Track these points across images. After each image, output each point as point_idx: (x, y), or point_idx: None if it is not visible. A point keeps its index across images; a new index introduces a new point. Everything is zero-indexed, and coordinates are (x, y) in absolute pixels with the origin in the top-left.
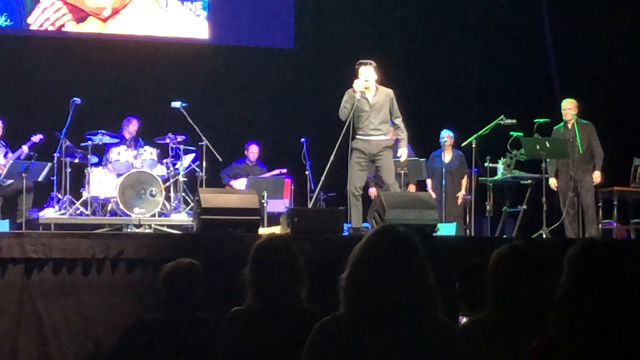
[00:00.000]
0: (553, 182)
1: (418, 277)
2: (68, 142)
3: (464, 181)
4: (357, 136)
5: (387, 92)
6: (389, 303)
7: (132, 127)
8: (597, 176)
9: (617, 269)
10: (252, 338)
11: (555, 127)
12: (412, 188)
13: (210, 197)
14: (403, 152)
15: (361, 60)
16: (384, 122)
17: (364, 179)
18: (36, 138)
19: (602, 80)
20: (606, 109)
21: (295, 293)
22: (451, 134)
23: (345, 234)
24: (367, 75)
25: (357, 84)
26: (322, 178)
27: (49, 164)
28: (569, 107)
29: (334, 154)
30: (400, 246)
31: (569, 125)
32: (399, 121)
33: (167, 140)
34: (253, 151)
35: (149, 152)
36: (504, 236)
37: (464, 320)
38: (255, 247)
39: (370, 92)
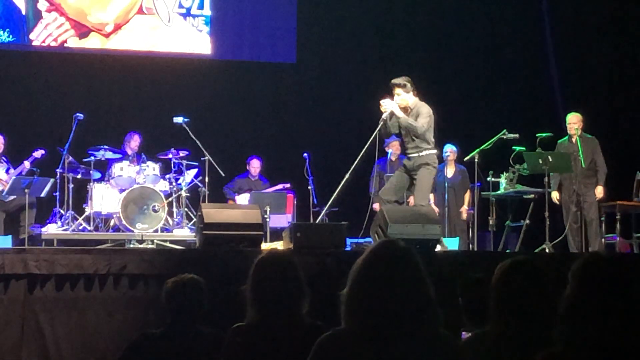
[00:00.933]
0: (555, 196)
1: (419, 292)
2: (71, 158)
3: (467, 196)
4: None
5: (418, 109)
6: (390, 318)
7: (133, 143)
8: (599, 191)
9: (620, 283)
10: (254, 354)
11: (559, 141)
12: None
13: (213, 213)
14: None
15: (393, 81)
16: (419, 139)
17: (397, 192)
18: (38, 154)
19: (605, 95)
20: (609, 123)
21: (296, 308)
22: (454, 148)
23: (348, 248)
24: (397, 97)
25: (383, 103)
26: (334, 195)
27: (52, 180)
28: (573, 121)
29: (349, 172)
30: (400, 261)
31: (573, 140)
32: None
33: (170, 156)
34: (255, 166)
35: (152, 168)
36: (507, 251)
37: (466, 336)
38: (256, 262)
39: (406, 112)
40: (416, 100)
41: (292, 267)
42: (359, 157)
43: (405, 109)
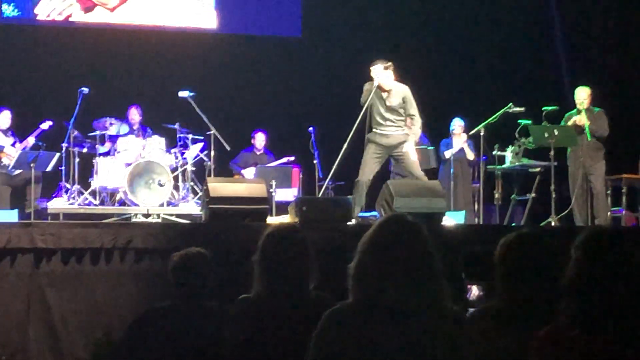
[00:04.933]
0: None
1: (426, 266)
2: (76, 132)
3: None
4: (375, 130)
5: (402, 91)
6: (397, 291)
7: (133, 116)
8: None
9: (625, 256)
10: (260, 326)
11: (567, 114)
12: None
13: (219, 187)
14: (409, 148)
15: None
16: (400, 119)
17: (375, 172)
18: (45, 125)
19: (611, 68)
20: (615, 96)
21: (303, 282)
22: (462, 122)
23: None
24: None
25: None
26: (334, 167)
27: (57, 154)
28: (582, 94)
29: (346, 143)
30: (408, 235)
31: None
32: (412, 119)
33: (176, 130)
34: (260, 139)
35: (157, 142)
36: (513, 224)
37: (473, 289)
38: (265, 235)
39: (386, 91)
40: (394, 81)
41: (301, 240)
42: (353, 129)
43: (383, 88)
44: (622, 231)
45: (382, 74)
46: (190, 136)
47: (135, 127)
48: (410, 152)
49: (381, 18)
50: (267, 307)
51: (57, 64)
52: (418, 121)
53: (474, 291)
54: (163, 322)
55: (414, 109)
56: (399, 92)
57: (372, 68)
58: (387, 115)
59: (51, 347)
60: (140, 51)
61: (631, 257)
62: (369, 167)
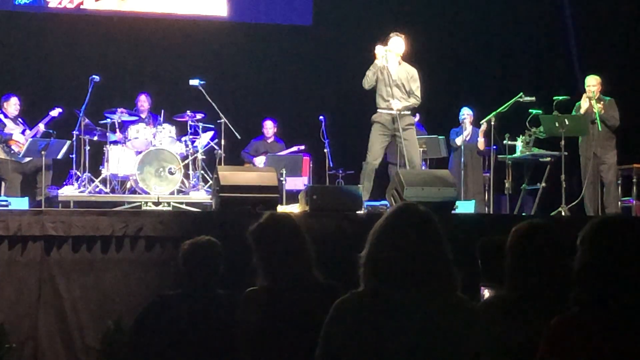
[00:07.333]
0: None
1: (437, 255)
2: (87, 120)
3: None
4: (380, 109)
5: (409, 68)
6: (408, 281)
7: (142, 103)
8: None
9: (634, 245)
10: (269, 317)
11: (577, 103)
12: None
13: (229, 175)
14: (414, 135)
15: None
16: (403, 96)
17: (383, 153)
18: (55, 112)
19: (622, 56)
20: (627, 85)
21: (305, 268)
22: (471, 111)
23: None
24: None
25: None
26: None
27: (68, 142)
28: (592, 83)
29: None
30: (419, 224)
31: (592, 102)
32: (415, 97)
33: (186, 118)
34: (268, 127)
35: (168, 130)
36: (523, 214)
37: (485, 291)
38: (253, 228)
39: (393, 65)
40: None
41: (293, 228)
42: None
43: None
44: (633, 221)
45: (401, 46)
46: (200, 124)
47: (144, 115)
48: (415, 140)
49: (391, 7)
50: (273, 297)
51: (68, 51)
52: (416, 101)
53: (486, 294)
54: (173, 310)
55: (418, 90)
56: (406, 68)
57: (393, 40)
58: (394, 90)
59: (61, 334)
60: (151, 39)
61: (638, 246)
62: (377, 149)
